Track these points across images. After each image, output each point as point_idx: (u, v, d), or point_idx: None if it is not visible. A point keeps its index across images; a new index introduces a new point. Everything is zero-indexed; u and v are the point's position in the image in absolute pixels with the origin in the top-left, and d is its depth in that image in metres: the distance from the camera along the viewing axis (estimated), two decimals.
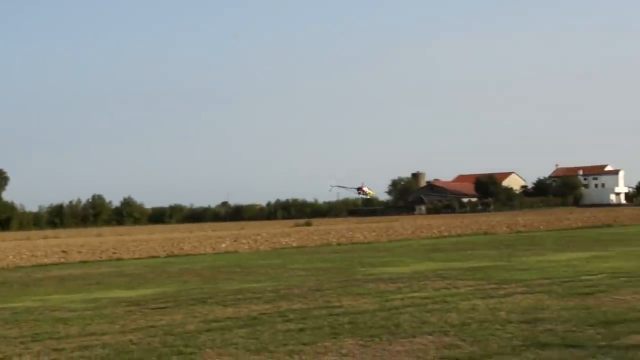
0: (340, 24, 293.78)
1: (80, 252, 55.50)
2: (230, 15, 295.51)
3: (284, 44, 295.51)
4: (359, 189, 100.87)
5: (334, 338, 15.12)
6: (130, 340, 15.84)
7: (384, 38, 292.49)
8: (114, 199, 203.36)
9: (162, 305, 21.61)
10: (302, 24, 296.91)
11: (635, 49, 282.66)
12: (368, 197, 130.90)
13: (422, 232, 69.52)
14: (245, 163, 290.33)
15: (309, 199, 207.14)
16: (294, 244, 56.91)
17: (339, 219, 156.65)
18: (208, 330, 16.64)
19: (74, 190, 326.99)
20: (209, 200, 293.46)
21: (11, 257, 52.25)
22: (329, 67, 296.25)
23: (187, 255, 49.53)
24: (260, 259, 42.66)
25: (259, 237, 68.69)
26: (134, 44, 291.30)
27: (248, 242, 60.49)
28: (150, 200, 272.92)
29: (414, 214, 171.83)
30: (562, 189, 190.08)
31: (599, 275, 25.01)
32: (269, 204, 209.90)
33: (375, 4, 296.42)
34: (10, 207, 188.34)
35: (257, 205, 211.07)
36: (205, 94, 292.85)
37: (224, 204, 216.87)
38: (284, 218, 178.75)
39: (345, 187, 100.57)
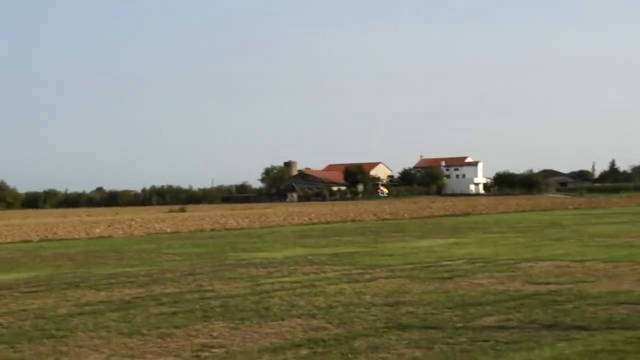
0: (216, 13, 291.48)
1: None
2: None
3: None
4: (378, 189, 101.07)
5: (206, 321, 15.06)
6: (1, 324, 15.39)
7: (260, 29, 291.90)
8: None
9: (35, 289, 21.06)
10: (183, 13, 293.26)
11: (491, 50, 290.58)
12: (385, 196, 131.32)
13: (293, 219, 69.83)
14: (120, 149, 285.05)
15: (184, 185, 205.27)
16: (168, 230, 56.30)
17: (213, 206, 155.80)
18: (80, 314, 16.32)
19: None
20: (84, 185, 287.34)
21: None
22: (204, 56, 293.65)
23: (61, 239, 48.31)
24: (135, 244, 42.05)
25: (133, 223, 67.71)
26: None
27: (122, 228, 59.51)
28: (24, 185, 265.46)
29: (286, 202, 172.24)
30: (426, 179, 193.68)
31: (458, 261, 25.69)
32: (144, 190, 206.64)
33: None
34: None
35: (132, 191, 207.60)
36: (74, 78, 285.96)
37: (99, 189, 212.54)
38: (159, 204, 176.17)
39: None
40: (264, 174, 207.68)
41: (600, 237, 35.25)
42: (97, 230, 56.62)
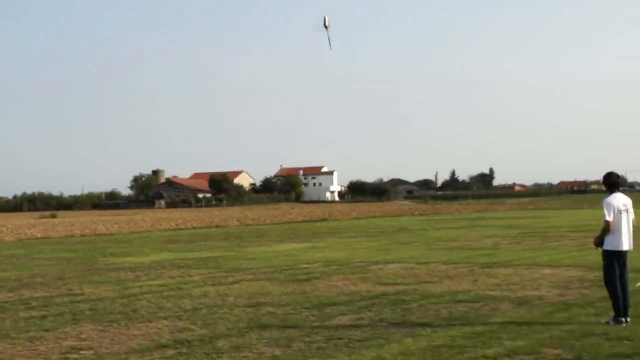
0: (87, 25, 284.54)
1: None
2: None
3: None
4: None
5: (75, 324, 14.61)
6: None
7: (134, 44, 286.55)
8: None
9: None
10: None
11: (342, 67, 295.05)
12: None
13: (161, 224, 68.79)
14: None
15: (55, 192, 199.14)
16: (39, 235, 54.39)
17: (83, 212, 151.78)
18: None
19: None
20: None
21: None
22: (74, 63, 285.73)
23: None
24: (5, 249, 40.40)
25: (4, 229, 65.10)
26: None
27: None
28: None
29: (155, 208, 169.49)
30: (286, 187, 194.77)
31: (315, 264, 25.87)
32: (15, 197, 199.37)
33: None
34: None
35: (2, 197, 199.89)
36: None
37: None
38: (30, 210, 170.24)
39: None
40: (132, 181, 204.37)
41: (443, 241, 36.22)
42: None
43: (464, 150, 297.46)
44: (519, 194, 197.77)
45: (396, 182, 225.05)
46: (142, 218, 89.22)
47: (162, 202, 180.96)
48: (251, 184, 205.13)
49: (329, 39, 33.01)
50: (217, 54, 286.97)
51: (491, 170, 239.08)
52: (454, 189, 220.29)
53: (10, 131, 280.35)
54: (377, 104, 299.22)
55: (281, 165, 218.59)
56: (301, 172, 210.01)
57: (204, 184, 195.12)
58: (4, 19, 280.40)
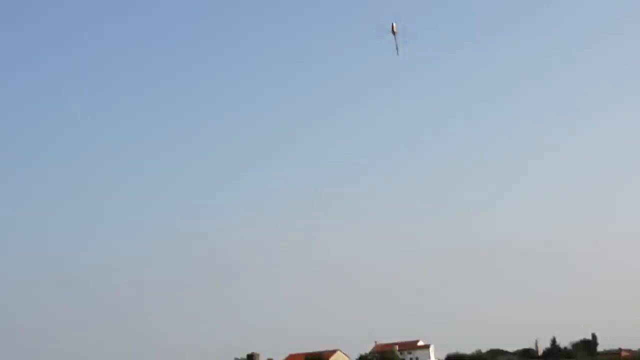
0: None
1: None
2: None
3: None
4: None
5: None
6: None
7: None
8: None
9: None
10: None
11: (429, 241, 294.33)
12: None
13: None
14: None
15: None
16: None
17: None
18: None
19: None
20: None
21: None
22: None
23: None
24: None
25: None
26: None
27: None
28: None
29: None
30: None
31: None
32: None
33: None
34: None
35: None
36: None
37: None
38: None
39: None
40: None
41: None
42: None
43: (565, 315, 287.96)
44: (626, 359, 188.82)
45: (496, 353, 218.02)
46: None
47: None
48: None
49: (396, 45, 34.13)
50: (304, 229, 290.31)
51: (594, 335, 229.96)
52: (556, 357, 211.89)
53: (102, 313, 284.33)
54: (470, 271, 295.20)
55: (376, 342, 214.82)
56: (397, 347, 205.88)
57: None
58: None
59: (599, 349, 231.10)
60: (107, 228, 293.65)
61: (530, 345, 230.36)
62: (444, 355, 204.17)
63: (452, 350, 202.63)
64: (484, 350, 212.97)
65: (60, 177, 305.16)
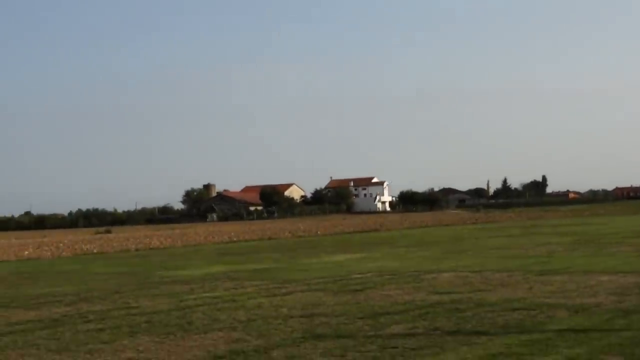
0: (133, 43, 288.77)
1: None
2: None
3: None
4: None
5: (132, 336, 14.78)
6: None
7: (174, 54, 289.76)
8: None
9: None
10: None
11: (391, 82, 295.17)
12: None
13: (213, 237, 69.32)
14: (47, 174, 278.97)
15: (109, 208, 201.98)
16: (95, 250, 55.20)
17: (137, 227, 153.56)
18: (10, 333, 15.84)
19: None
20: (13, 210, 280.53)
21: None
22: (122, 85, 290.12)
23: None
24: (63, 264, 41.09)
25: (61, 244, 66.22)
26: None
27: (50, 249, 58.08)
28: None
29: (207, 222, 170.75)
30: (336, 199, 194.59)
31: (368, 274, 25.82)
32: (70, 214, 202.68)
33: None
34: None
35: (59, 214, 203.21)
36: (1, 105, 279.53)
37: (27, 213, 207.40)
38: (85, 227, 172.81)
39: None
40: (185, 196, 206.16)
41: (496, 249, 35.91)
42: (26, 252, 55.13)
43: (516, 157, 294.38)
44: (573, 201, 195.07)
45: (447, 192, 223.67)
46: (195, 232, 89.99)
47: (214, 216, 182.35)
48: (302, 196, 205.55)
49: None
50: (263, 67, 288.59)
51: (544, 177, 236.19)
52: (506, 198, 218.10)
53: (65, 149, 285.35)
54: (426, 114, 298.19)
55: (331, 177, 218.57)
56: (351, 183, 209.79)
57: (255, 197, 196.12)
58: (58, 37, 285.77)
59: (548, 190, 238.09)
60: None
61: (481, 185, 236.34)
62: (397, 193, 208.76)
63: (406, 188, 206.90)
64: (436, 189, 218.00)
65: None
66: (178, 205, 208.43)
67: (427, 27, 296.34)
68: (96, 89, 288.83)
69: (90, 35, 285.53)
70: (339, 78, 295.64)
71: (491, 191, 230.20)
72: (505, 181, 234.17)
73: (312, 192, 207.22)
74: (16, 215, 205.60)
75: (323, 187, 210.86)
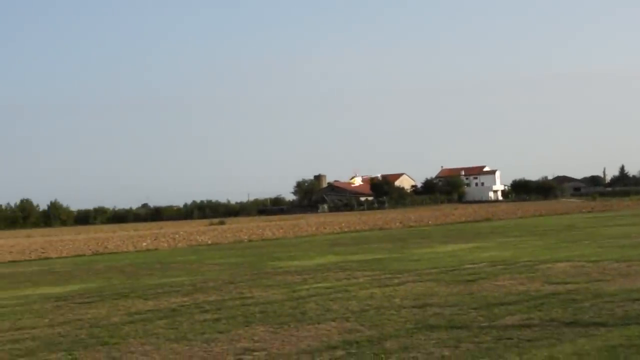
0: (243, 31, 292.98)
1: (10, 252, 53.98)
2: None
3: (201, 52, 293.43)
4: None
5: (247, 326, 15.05)
6: (59, 333, 15.49)
7: (283, 47, 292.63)
8: (41, 203, 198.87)
9: (88, 300, 21.18)
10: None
11: (503, 66, 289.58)
12: None
13: (324, 228, 69.77)
14: (162, 168, 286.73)
15: (223, 200, 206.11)
16: (209, 242, 56.44)
17: (250, 218, 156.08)
18: (131, 322, 16.38)
19: (2, 195, 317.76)
20: (131, 202, 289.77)
21: None
22: (236, 79, 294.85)
23: (111, 253, 48.64)
24: (179, 255, 42.18)
25: (176, 236, 67.96)
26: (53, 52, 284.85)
27: (167, 241, 59.74)
28: (75, 203, 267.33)
29: (317, 212, 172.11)
30: (447, 188, 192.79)
31: (481, 264, 25.51)
32: (185, 205, 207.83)
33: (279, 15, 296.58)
34: None
35: (175, 206, 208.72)
36: (118, 102, 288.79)
37: (144, 205, 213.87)
38: (199, 218, 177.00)
39: None
40: (296, 187, 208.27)
41: (613, 239, 34.86)
42: (144, 243, 56.87)
43: (634, 144, 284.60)
44: None
45: (562, 180, 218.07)
46: (307, 222, 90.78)
47: (325, 206, 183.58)
48: (412, 186, 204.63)
49: None
50: (373, 55, 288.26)
51: None
52: (623, 185, 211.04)
53: (179, 142, 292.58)
54: (537, 101, 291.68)
55: (442, 167, 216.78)
56: (462, 172, 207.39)
57: (365, 188, 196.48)
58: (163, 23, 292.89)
59: None
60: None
61: (597, 172, 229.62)
62: (509, 182, 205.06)
63: (518, 177, 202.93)
64: (550, 177, 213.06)
65: None
66: (289, 196, 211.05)
67: (550, 9, 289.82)
68: (209, 81, 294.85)
69: (198, 30, 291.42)
70: (449, 62, 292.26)
71: (608, 179, 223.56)
72: (622, 168, 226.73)
73: (423, 181, 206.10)
74: (134, 207, 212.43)
75: (434, 176, 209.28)
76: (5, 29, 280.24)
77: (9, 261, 45.58)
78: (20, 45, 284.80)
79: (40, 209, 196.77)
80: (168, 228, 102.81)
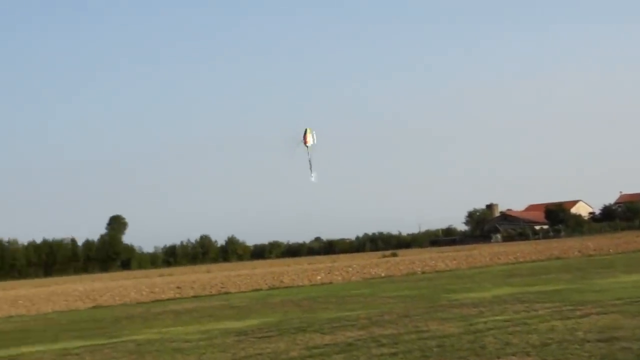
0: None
1: (192, 287, 56.11)
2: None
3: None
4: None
5: None
6: None
7: (453, 76, 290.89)
8: (219, 238, 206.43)
9: (267, 334, 21.60)
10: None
11: None
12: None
13: (499, 258, 68.29)
14: (335, 201, 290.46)
15: (394, 231, 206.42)
16: (383, 274, 56.48)
17: (422, 249, 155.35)
18: (309, 357, 16.56)
19: (183, 232, 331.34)
20: (304, 236, 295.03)
21: (132, 293, 53.21)
22: (412, 108, 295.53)
23: (287, 287, 49.60)
24: (353, 288, 42.42)
25: (350, 269, 68.41)
26: (225, 93, 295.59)
27: (341, 274, 60.25)
28: (251, 238, 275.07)
29: (490, 242, 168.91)
30: (628, 214, 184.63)
31: None
32: (357, 238, 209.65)
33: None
34: (130, 249, 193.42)
35: (347, 239, 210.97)
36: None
37: (317, 239, 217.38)
38: (371, 250, 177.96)
39: None
40: (467, 216, 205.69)
41: None
42: (318, 277, 57.60)
43: None
44: None
45: None
46: (480, 253, 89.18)
47: (499, 236, 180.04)
48: (590, 213, 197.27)
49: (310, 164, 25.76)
50: (541, 79, 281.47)
51: None
52: None
53: (348, 176, 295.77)
54: None
55: (621, 192, 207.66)
56: None
57: (539, 216, 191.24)
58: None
59: None
60: None
61: None
62: None
63: None
64: None
65: None
66: (461, 227, 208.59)
67: None
68: (379, 123, 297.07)
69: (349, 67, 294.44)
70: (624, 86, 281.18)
71: None
72: None
73: (601, 208, 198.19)
74: (307, 241, 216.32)
75: (612, 202, 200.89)
76: (197, 74, 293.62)
77: (192, 296, 47.36)
78: (200, 87, 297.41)
79: (219, 245, 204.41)
80: (341, 261, 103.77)
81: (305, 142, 26.56)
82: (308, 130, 26.53)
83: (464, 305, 26.09)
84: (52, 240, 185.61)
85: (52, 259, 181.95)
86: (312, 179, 26.68)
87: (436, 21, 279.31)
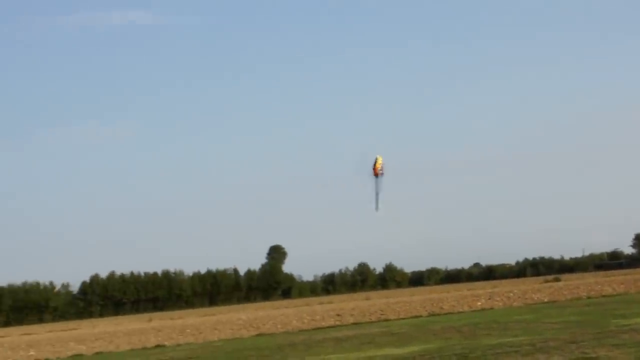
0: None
1: (352, 314, 56.36)
2: None
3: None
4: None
5: None
6: None
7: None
8: (377, 266, 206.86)
9: None
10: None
11: None
12: None
13: None
14: (494, 225, 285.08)
15: (556, 256, 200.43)
16: (546, 299, 54.84)
17: (586, 274, 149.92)
18: None
19: (343, 260, 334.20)
20: (462, 262, 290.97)
21: (294, 321, 54.01)
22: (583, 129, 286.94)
23: (447, 313, 48.97)
24: (515, 314, 41.37)
25: (511, 294, 66.84)
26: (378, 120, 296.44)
27: (502, 299, 58.97)
28: (409, 265, 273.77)
29: None
30: None
31: None
32: (517, 263, 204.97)
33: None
34: (290, 278, 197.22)
35: (507, 264, 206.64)
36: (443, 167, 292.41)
37: (476, 264, 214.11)
38: (532, 275, 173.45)
39: None
40: (634, 239, 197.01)
41: None
42: (479, 303, 56.63)
43: None
44: None
45: None
46: None
47: None
48: None
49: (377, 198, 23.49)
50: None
51: None
52: None
53: (504, 201, 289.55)
54: None
55: None
56: None
57: None
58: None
59: None
60: None
61: None
62: None
63: None
64: None
65: None
66: (628, 250, 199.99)
67: None
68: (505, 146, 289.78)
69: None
70: None
71: None
72: None
73: None
74: (466, 267, 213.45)
75: None
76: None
77: (352, 323, 47.55)
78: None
79: (377, 272, 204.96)
80: (502, 287, 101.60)
81: (375, 173, 25.27)
82: (378, 159, 25.27)
83: (635, 330, 24.92)
84: (216, 271, 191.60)
85: (216, 288, 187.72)
86: (378, 211, 25.35)
87: None
